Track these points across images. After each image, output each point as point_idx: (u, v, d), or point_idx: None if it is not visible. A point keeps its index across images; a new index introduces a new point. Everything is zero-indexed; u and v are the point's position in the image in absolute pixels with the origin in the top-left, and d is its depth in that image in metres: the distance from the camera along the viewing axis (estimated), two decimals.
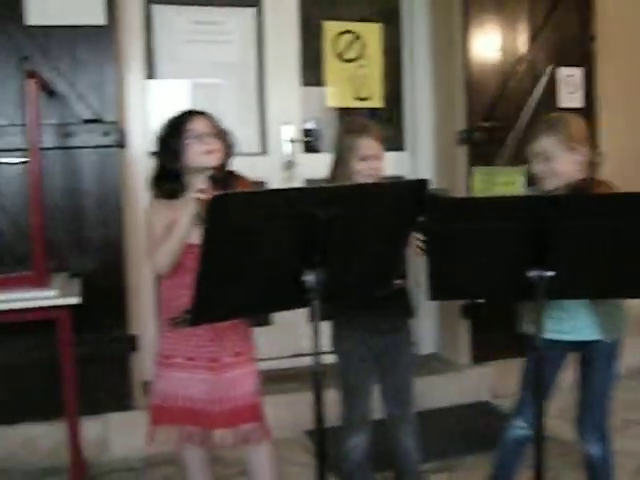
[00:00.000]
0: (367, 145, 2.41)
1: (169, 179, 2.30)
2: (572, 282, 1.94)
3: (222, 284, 1.67)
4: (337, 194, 1.75)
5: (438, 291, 2.01)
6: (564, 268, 1.88)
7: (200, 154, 2.26)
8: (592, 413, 2.49)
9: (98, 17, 3.14)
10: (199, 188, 2.22)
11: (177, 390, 2.30)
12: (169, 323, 2.26)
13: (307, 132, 4.10)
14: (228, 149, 2.35)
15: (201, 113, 2.35)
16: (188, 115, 2.32)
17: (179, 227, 2.20)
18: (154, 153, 2.35)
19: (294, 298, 1.78)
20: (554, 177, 2.33)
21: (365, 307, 2.40)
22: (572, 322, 2.38)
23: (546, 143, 2.33)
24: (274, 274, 1.76)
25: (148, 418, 2.37)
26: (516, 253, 1.90)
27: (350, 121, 2.52)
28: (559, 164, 2.32)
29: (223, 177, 2.31)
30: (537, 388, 2.07)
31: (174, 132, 2.28)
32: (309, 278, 1.72)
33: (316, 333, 1.78)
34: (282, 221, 1.67)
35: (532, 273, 1.88)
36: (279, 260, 1.74)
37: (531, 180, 2.51)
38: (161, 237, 2.26)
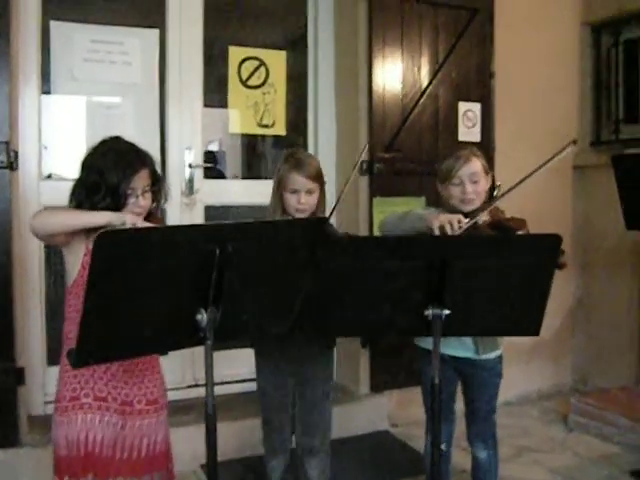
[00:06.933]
0: (296, 180, 2.44)
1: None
2: (467, 320, 1.97)
3: (109, 323, 1.59)
4: (232, 231, 1.70)
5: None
6: (459, 306, 1.90)
7: (134, 208, 2.13)
8: (478, 425, 2.63)
9: None
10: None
11: (83, 435, 2.13)
12: (66, 356, 2.08)
13: (209, 157, 4.03)
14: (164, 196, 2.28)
15: (144, 163, 2.17)
16: (137, 167, 2.13)
17: (90, 214, 2.05)
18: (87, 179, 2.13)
19: (187, 337, 1.73)
20: (477, 199, 2.47)
21: (284, 336, 2.36)
22: (454, 338, 2.46)
23: (477, 166, 2.48)
24: (166, 313, 1.69)
25: (54, 468, 2.17)
26: (412, 291, 1.91)
27: (290, 153, 2.53)
28: (481, 187, 2.48)
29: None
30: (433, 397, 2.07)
31: (121, 177, 2.09)
32: (201, 317, 1.67)
33: (209, 370, 1.74)
34: (175, 258, 1.62)
35: (428, 311, 1.90)
36: (171, 298, 1.67)
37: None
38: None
